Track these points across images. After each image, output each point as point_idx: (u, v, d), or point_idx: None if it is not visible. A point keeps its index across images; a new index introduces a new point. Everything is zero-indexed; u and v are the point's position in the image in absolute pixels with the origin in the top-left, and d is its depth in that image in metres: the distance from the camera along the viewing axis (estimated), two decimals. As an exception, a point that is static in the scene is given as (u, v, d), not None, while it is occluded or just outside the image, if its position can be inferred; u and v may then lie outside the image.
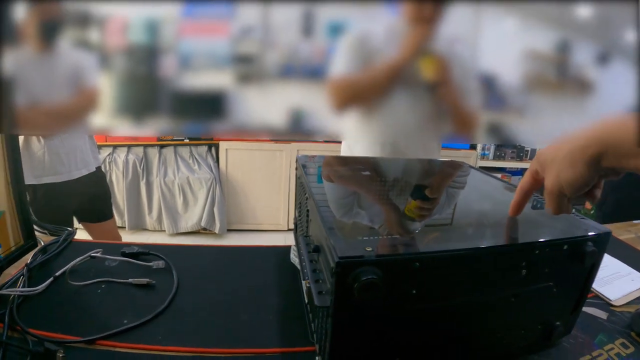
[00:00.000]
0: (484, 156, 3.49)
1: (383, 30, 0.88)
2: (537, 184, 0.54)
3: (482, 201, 0.75)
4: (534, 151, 3.63)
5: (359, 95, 0.87)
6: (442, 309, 0.50)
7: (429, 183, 0.84)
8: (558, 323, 0.60)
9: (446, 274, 0.48)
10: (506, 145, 3.59)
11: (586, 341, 0.68)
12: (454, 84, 0.86)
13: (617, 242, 1.12)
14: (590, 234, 0.55)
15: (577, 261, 0.55)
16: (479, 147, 3.45)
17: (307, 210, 0.63)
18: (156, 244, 0.91)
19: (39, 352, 0.55)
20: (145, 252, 0.82)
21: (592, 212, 2.92)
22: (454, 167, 0.95)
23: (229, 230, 3.05)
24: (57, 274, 0.74)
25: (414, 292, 0.46)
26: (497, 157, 3.53)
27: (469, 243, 0.49)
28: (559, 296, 0.58)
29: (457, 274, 0.48)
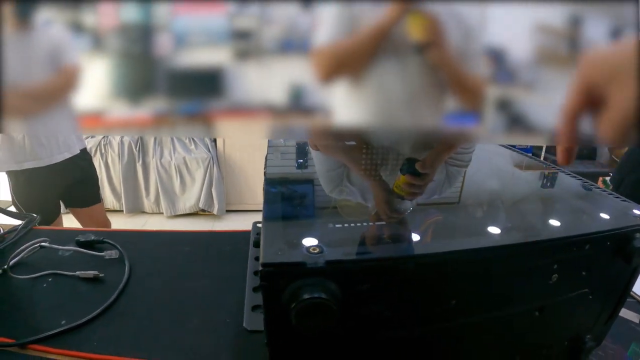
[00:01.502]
0: None
1: None
2: (590, 105, 0.36)
3: (496, 179, 0.63)
4: None
5: (345, 63, 0.79)
6: (434, 333, 0.37)
7: (423, 156, 0.73)
8: (589, 336, 0.47)
9: (440, 286, 0.35)
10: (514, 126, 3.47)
11: (617, 352, 0.58)
12: (448, 46, 0.77)
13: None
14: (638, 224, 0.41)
15: (622, 260, 0.42)
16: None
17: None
18: (119, 230, 0.83)
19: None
20: (99, 241, 0.74)
21: None
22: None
23: (228, 211, 2.97)
24: (5, 266, 0.66)
25: (388, 314, 0.34)
26: None
27: (476, 240, 0.36)
28: (593, 304, 0.45)
29: (458, 285, 0.35)
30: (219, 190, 2.82)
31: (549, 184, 0.57)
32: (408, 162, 0.68)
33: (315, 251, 0.31)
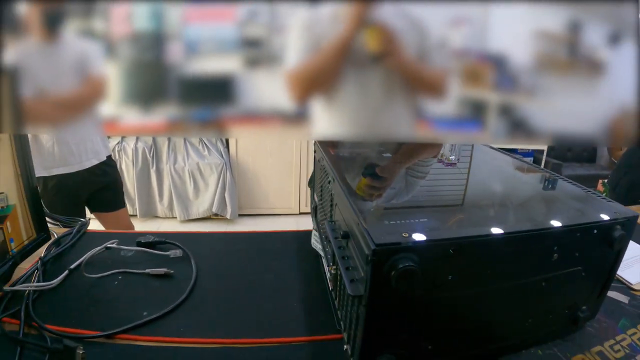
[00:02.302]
0: None
1: (329, 12, 0.85)
2: None
3: (504, 181, 0.73)
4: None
5: (315, 81, 0.85)
6: (476, 295, 0.48)
7: (383, 163, 0.81)
8: (584, 307, 0.59)
9: (481, 259, 0.45)
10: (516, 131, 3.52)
11: (610, 326, 0.67)
12: (404, 52, 0.83)
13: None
14: (619, 217, 0.53)
15: (606, 245, 0.54)
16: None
17: (332, 194, 0.60)
18: (171, 232, 0.89)
19: (59, 350, 0.54)
20: (161, 241, 0.80)
21: (604, 194, 2.86)
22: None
23: (241, 215, 3.03)
24: (72, 267, 0.72)
25: (450, 278, 0.43)
26: None
27: (506, 227, 0.46)
28: (586, 280, 0.57)
29: (492, 259, 0.46)
30: (232, 195, 2.88)
31: (550, 187, 0.68)
32: (369, 167, 0.75)
33: (405, 235, 0.40)
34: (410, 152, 0.95)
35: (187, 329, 0.59)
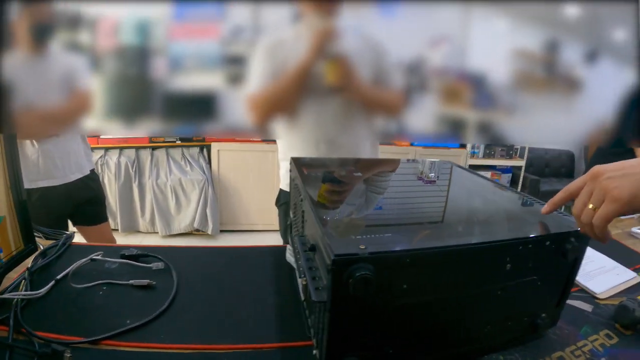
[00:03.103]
0: (473, 154, 3.53)
1: (292, 35, 0.89)
2: (577, 194, 0.55)
3: (470, 199, 0.78)
4: (523, 149, 3.68)
5: (275, 105, 0.89)
6: (433, 302, 0.53)
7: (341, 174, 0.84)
8: (544, 315, 0.63)
9: (435, 269, 0.50)
10: (495, 144, 3.64)
11: (572, 332, 0.71)
12: (360, 82, 0.87)
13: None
14: (572, 230, 0.58)
15: (560, 256, 0.58)
16: (468, 145, 3.48)
17: (303, 211, 0.66)
18: (153, 245, 0.93)
19: (46, 354, 0.57)
20: (144, 254, 0.84)
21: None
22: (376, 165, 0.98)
23: (222, 231, 3.07)
24: (58, 277, 0.75)
25: (405, 286, 0.49)
26: (486, 155, 3.58)
27: (457, 240, 0.52)
28: (543, 289, 0.61)
29: (446, 269, 0.51)
30: (214, 211, 2.92)
31: (513, 204, 0.73)
32: (327, 174, 0.80)
33: (362, 247, 0.46)
34: (369, 164, 1.00)
35: (167, 335, 0.63)
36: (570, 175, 4.28)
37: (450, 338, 0.59)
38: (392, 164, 1.04)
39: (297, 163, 0.80)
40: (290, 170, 0.84)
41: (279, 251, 0.90)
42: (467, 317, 0.58)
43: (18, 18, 0.60)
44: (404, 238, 0.55)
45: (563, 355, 0.65)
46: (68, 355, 0.57)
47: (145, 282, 0.75)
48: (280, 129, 1.03)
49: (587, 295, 0.83)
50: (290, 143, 1.11)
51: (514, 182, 3.85)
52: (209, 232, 2.95)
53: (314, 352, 0.57)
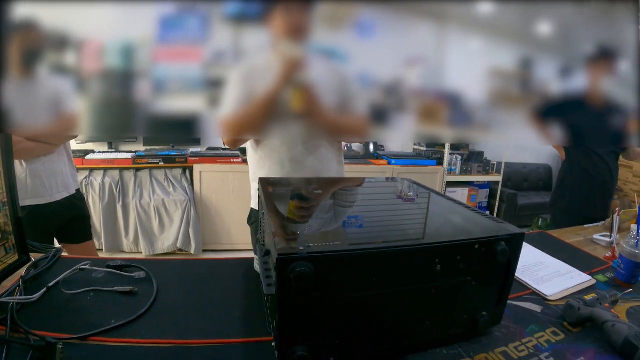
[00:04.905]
0: (450, 171, 3.61)
1: (263, 63, 0.96)
2: None
3: (414, 211, 0.87)
4: (499, 164, 3.78)
5: (244, 128, 0.98)
6: (371, 297, 0.62)
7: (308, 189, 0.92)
8: (484, 313, 0.69)
9: (368, 268, 0.60)
10: (472, 160, 3.74)
11: (518, 330, 0.76)
12: (324, 110, 0.94)
13: (564, 245, 1.28)
14: (502, 235, 0.65)
15: (491, 258, 0.65)
16: (445, 162, 3.56)
17: (263, 224, 0.77)
18: (137, 258, 1.03)
19: (41, 346, 0.66)
20: (127, 265, 0.94)
21: (547, 219, 3.10)
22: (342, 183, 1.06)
23: (205, 251, 3.13)
24: (50, 284, 0.84)
25: (342, 282, 0.59)
26: (463, 172, 3.65)
27: (385, 243, 0.62)
28: (481, 289, 0.68)
29: (379, 268, 0.60)
30: (196, 231, 2.99)
31: (460, 215, 0.80)
32: (295, 191, 0.88)
33: (301, 248, 0.57)
34: (332, 182, 1.08)
35: (147, 332, 0.73)
36: (548, 188, 4.34)
37: (392, 331, 0.66)
38: (355, 181, 1.13)
39: (264, 182, 0.92)
40: (258, 189, 0.95)
41: (248, 262, 1.01)
42: (406, 313, 0.65)
43: (9, 42, 0.61)
44: (341, 241, 0.65)
45: (507, 350, 0.70)
46: (60, 347, 0.66)
47: (128, 288, 0.85)
48: (249, 150, 1.12)
49: (538, 298, 0.89)
50: (258, 162, 1.20)
51: (492, 197, 3.94)
52: (192, 251, 3.02)
53: (273, 344, 0.67)
